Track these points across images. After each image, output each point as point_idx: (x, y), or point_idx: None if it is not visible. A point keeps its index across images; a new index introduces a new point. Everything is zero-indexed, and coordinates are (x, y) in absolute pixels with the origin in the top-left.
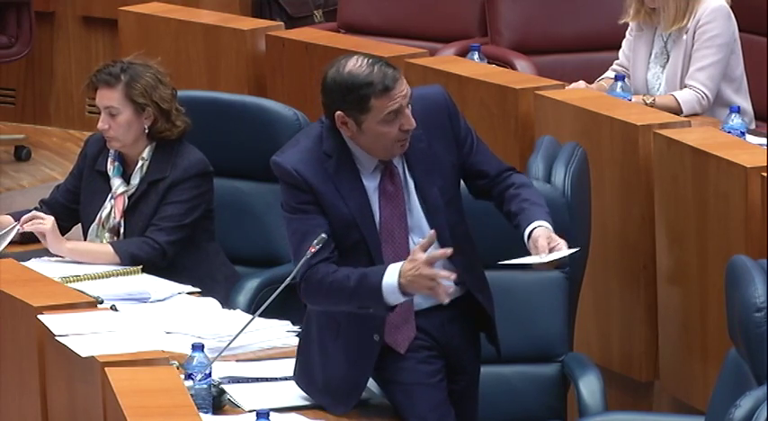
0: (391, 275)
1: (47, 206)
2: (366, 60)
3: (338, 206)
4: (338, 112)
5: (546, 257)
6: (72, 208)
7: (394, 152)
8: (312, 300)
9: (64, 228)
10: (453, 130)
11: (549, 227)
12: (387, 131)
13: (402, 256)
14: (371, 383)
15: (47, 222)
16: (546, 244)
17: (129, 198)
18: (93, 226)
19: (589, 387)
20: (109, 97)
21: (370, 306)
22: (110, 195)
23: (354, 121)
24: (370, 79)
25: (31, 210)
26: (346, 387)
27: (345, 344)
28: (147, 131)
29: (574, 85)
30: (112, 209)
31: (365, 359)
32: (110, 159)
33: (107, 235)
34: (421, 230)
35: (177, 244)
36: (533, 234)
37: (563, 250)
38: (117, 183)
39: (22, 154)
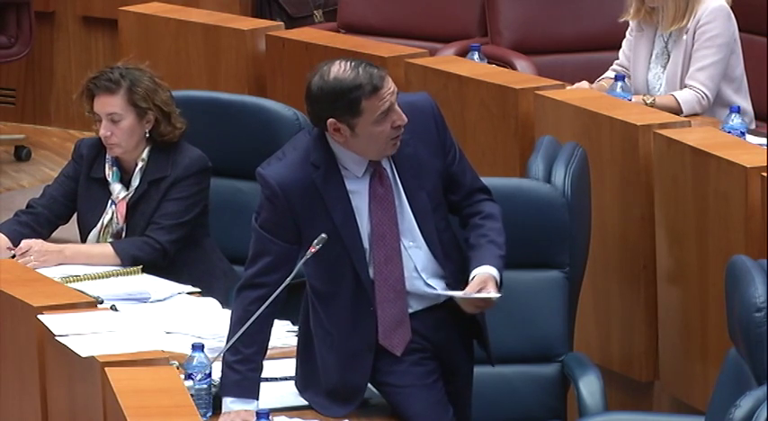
0: (232, 403)
1: (46, 209)
2: (349, 64)
3: (321, 221)
4: (330, 120)
5: (465, 294)
6: (71, 208)
7: (387, 151)
8: (233, 307)
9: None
10: (440, 138)
11: (494, 272)
12: (380, 131)
13: (393, 260)
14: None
15: (31, 252)
16: (476, 288)
17: (129, 199)
18: (94, 231)
19: (589, 387)
20: (111, 104)
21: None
22: (110, 201)
23: (348, 126)
24: (358, 82)
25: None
26: (346, 391)
27: (338, 354)
28: (147, 136)
29: (577, 85)
30: (114, 214)
31: (360, 367)
32: (107, 165)
33: (110, 240)
34: (412, 234)
35: (178, 242)
36: (474, 276)
37: (485, 294)
38: (117, 189)
39: (22, 154)
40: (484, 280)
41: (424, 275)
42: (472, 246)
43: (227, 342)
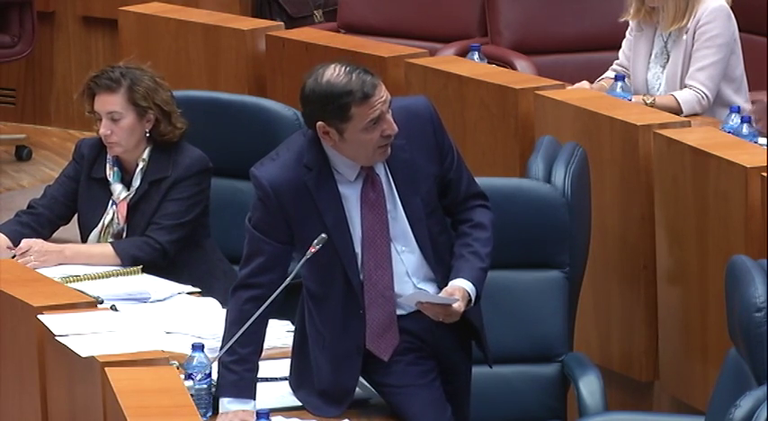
0: (229, 404)
1: (47, 209)
2: (344, 68)
3: (313, 223)
4: (319, 123)
5: (416, 295)
6: (72, 208)
7: (375, 158)
8: (228, 307)
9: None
10: (437, 142)
11: (466, 284)
12: (369, 138)
13: (383, 265)
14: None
15: (31, 252)
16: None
17: (130, 199)
18: (95, 231)
19: (589, 387)
20: (112, 102)
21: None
22: (111, 201)
23: (336, 131)
24: (349, 88)
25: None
26: (337, 392)
27: (329, 355)
28: (147, 135)
29: (577, 85)
30: (115, 214)
31: (350, 368)
32: (108, 165)
33: (110, 240)
34: (405, 239)
35: (178, 242)
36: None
37: (443, 298)
38: (118, 189)
39: (22, 154)
40: (451, 292)
41: (414, 280)
42: (455, 256)
43: (223, 342)
